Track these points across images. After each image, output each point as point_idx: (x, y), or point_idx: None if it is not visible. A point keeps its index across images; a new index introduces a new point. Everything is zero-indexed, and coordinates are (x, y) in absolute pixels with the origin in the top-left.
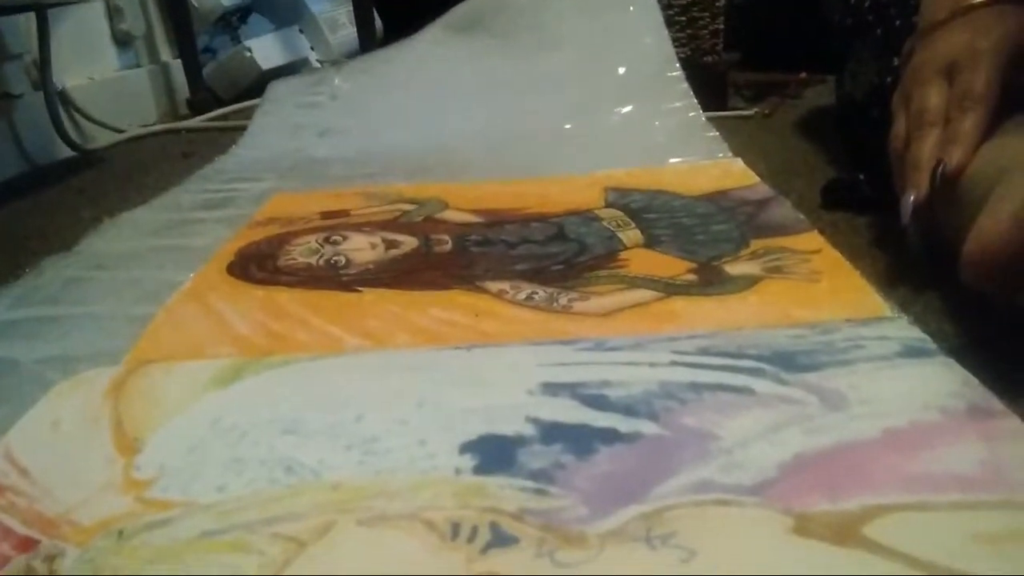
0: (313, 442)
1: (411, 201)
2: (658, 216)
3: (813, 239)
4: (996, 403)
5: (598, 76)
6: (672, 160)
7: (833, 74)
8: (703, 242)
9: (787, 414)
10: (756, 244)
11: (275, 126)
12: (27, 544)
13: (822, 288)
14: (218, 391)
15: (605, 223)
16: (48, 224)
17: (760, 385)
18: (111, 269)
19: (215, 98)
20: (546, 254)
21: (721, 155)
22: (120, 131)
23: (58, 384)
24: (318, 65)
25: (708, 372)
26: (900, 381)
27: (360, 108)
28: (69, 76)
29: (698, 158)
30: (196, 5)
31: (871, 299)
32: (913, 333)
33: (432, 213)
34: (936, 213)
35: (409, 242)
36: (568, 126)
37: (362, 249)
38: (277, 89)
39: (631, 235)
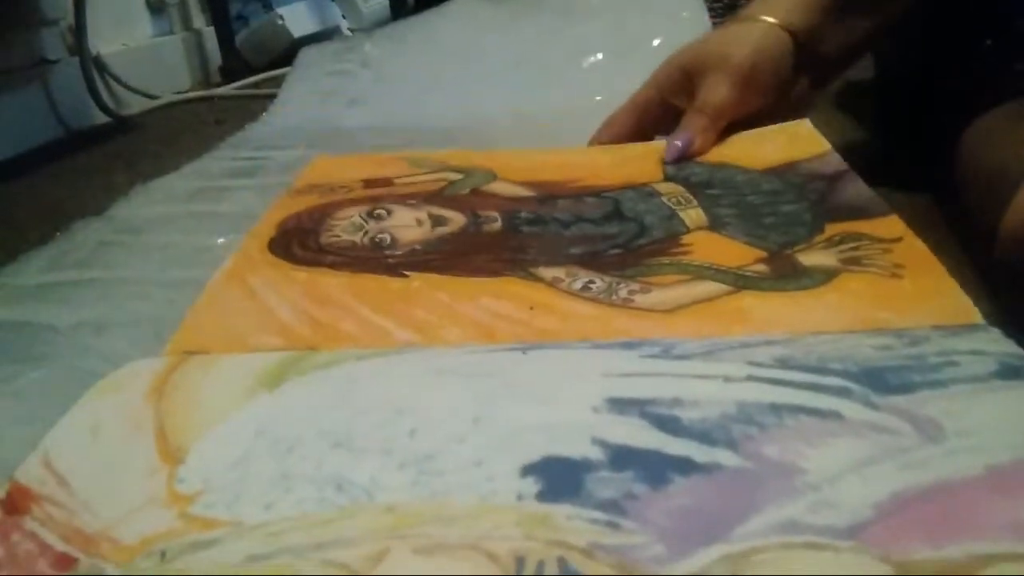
0: (365, 458)
1: (456, 169)
2: (721, 192)
3: (894, 224)
4: None
5: (632, 48)
6: None
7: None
8: (772, 225)
9: (880, 445)
10: (831, 228)
11: (305, 94)
12: (65, 562)
13: (906, 285)
14: (263, 395)
15: (665, 199)
16: (82, 189)
17: (848, 409)
18: (142, 234)
19: (247, 65)
20: (602, 235)
21: None
22: (154, 97)
23: (98, 383)
24: (349, 33)
25: (789, 390)
26: (1000, 408)
27: (391, 76)
28: (104, 42)
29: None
30: None
31: (960, 300)
32: (1009, 348)
33: (479, 184)
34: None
35: (456, 219)
36: (599, 98)
37: (408, 226)
38: (308, 56)
39: (693, 215)
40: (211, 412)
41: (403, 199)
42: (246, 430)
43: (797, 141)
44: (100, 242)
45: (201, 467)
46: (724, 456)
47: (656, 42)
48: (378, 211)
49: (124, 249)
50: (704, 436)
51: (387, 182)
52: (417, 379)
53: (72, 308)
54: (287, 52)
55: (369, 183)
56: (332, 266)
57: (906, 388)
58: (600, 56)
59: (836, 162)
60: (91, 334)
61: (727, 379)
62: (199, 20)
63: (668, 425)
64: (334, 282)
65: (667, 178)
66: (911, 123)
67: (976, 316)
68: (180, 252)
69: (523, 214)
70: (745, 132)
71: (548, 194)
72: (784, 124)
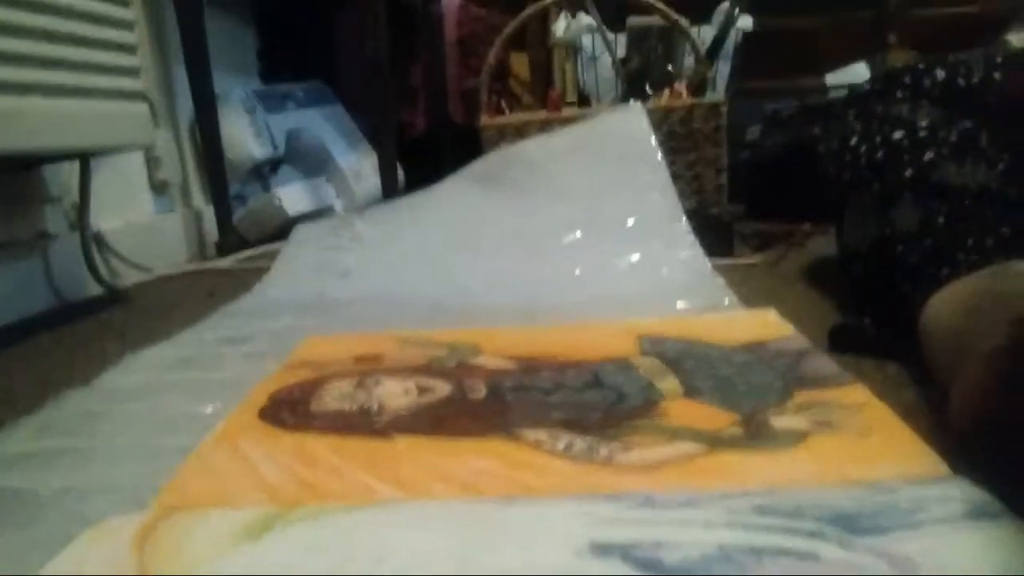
0: None
1: (443, 345)
2: (696, 365)
3: (859, 392)
4: None
5: (608, 227)
6: (679, 304)
7: (834, 225)
8: (745, 392)
9: None
10: (800, 396)
11: (298, 266)
12: None
13: (874, 444)
14: (248, 544)
15: (642, 372)
16: (74, 357)
17: (824, 549)
18: (128, 402)
19: (242, 241)
20: (583, 402)
21: (727, 300)
22: (149, 270)
23: (84, 533)
24: (342, 213)
25: (767, 535)
26: (972, 545)
27: (381, 252)
28: (106, 219)
29: (705, 303)
30: (230, 157)
31: (927, 456)
32: (976, 494)
33: (465, 358)
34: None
35: (442, 388)
36: (577, 272)
37: (395, 394)
38: (302, 231)
39: (669, 384)
40: (195, 560)
41: (391, 372)
42: None
43: (764, 325)
44: (87, 411)
45: None
46: None
47: (630, 222)
48: (366, 382)
49: (109, 417)
50: None
51: (377, 358)
52: (402, 527)
53: (57, 474)
54: (282, 229)
55: (360, 359)
56: (320, 430)
57: (879, 530)
58: (578, 234)
59: (802, 341)
60: (75, 500)
61: (708, 525)
62: (199, 199)
63: (650, 566)
64: (321, 444)
65: (643, 353)
66: (875, 295)
67: (943, 469)
68: (166, 420)
69: (507, 383)
70: (716, 316)
71: (531, 366)
72: (752, 311)
